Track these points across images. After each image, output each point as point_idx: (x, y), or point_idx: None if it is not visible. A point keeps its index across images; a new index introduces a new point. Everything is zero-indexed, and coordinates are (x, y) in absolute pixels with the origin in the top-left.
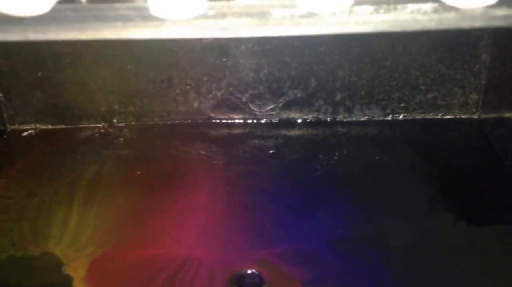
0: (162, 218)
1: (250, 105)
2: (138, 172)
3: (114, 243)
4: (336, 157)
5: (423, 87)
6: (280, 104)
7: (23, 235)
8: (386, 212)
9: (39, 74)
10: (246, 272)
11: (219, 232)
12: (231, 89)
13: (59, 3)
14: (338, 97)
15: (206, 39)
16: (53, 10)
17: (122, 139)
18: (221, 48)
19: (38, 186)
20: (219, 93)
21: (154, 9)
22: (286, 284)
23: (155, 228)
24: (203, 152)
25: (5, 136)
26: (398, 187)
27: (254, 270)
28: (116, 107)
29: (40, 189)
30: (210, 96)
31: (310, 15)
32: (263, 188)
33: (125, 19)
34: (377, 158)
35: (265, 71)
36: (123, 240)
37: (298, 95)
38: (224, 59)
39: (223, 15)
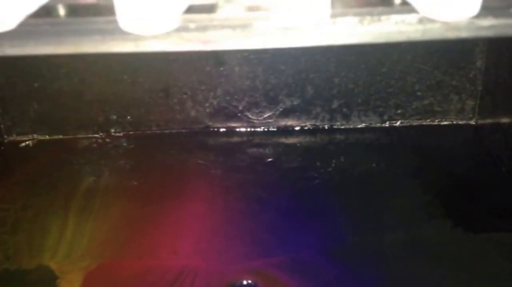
0: (158, 228)
1: (247, 113)
2: (135, 182)
3: (110, 254)
4: (333, 165)
5: (419, 94)
6: (277, 112)
7: (18, 248)
8: (383, 219)
9: (36, 85)
10: (242, 282)
11: (215, 241)
12: (227, 97)
13: (36, 17)
14: (335, 104)
15: None
16: (31, 24)
17: (119, 149)
18: (217, 56)
19: (34, 197)
20: (215, 102)
21: (122, 23)
22: None
23: (151, 238)
24: (200, 161)
25: (2, 147)
26: (395, 194)
27: (250, 281)
28: (113, 117)
29: (36, 200)
30: (207, 104)
31: (294, 27)
32: (260, 197)
33: (104, 33)
34: (374, 165)
35: (261, 79)
36: (119, 251)
37: (295, 103)
38: (221, 68)
39: (204, 28)
